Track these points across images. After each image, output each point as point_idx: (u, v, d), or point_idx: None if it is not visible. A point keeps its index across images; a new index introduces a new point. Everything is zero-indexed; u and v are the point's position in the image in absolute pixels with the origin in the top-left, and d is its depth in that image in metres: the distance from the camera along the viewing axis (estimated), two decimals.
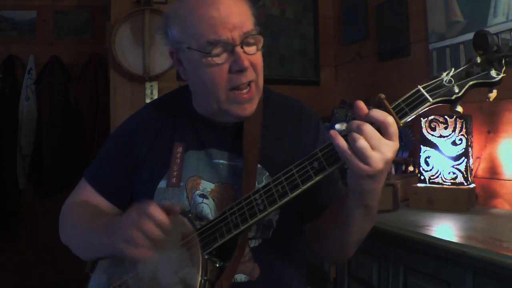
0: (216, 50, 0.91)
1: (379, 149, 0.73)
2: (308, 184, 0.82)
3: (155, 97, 2.45)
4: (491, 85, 0.80)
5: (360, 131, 0.73)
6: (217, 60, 0.92)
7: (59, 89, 3.24)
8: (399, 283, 1.46)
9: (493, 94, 0.82)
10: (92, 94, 3.23)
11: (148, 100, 2.46)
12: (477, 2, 1.82)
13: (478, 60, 0.80)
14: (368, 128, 0.73)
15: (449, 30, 1.97)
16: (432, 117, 1.76)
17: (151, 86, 2.50)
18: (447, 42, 1.97)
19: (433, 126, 1.76)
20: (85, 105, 3.24)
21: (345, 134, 0.76)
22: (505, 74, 0.80)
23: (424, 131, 1.78)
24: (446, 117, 1.74)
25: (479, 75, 0.80)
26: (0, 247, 3.07)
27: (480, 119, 1.82)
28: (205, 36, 0.91)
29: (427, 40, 2.10)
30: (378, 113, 0.74)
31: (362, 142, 0.72)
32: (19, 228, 3.20)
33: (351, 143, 0.73)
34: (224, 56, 0.92)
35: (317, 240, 1.01)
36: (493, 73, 0.79)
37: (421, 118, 1.80)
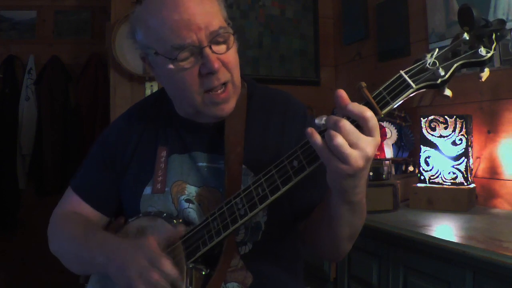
0: (183, 55, 0.87)
1: (358, 146, 0.68)
2: (288, 186, 0.78)
3: None
4: (480, 64, 0.72)
5: (337, 128, 0.68)
6: (184, 64, 0.88)
7: (59, 89, 3.24)
8: (399, 283, 1.46)
9: (485, 74, 0.74)
10: (92, 94, 3.23)
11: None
12: (477, 2, 1.82)
13: (466, 37, 0.72)
14: (346, 124, 0.68)
15: (449, 30, 1.97)
16: (432, 117, 1.76)
17: (151, 86, 2.50)
18: (447, 42, 1.96)
19: (433, 126, 1.76)
20: (85, 105, 3.24)
21: (323, 130, 0.71)
22: (495, 51, 0.72)
23: (424, 131, 1.78)
24: (446, 117, 1.74)
25: (466, 54, 0.72)
26: (0, 247, 3.07)
27: (480, 119, 1.82)
28: (169, 41, 0.87)
29: (427, 40, 2.10)
30: (355, 107, 0.69)
31: (339, 140, 0.67)
32: (19, 228, 3.20)
33: (328, 141, 0.68)
34: (191, 59, 0.88)
35: (310, 239, 0.99)
36: (482, 51, 0.71)
37: (421, 118, 1.80)
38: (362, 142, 0.68)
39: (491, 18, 1.74)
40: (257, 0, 2.74)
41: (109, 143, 1.06)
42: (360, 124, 0.69)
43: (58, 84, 3.24)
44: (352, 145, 0.68)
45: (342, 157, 0.68)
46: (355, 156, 0.68)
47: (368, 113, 0.69)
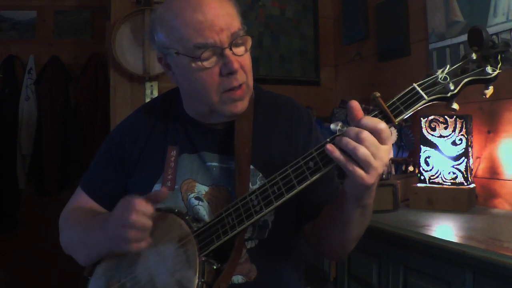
0: (205, 54, 0.90)
1: (378, 155, 0.73)
2: (304, 185, 0.81)
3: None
4: (487, 82, 0.79)
5: (359, 140, 0.73)
6: (206, 64, 0.91)
7: (59, 89, 3.24)
8: (399, 283, 1.46)
9: (489, 91, 0.80)
10: (92, 94, 3.24)
11: (148, 100, 2.46)
12: (477, 2, 1.82)
13: (474, 56, 0.79)
14: (368, 136, 0.73)
15: (449, 30, 1.97)
16: (432, 117, 1.76)
17: (151, 86, 2.50)
18: (447, 42, 1.97)
19: (433, 126, 1.76)
20: (85, 105, 3.25)
21: (339, 135, 0.77)
22: (501, 71, 0.78)
23: (424, 131, 1.78)
24: (446, 117, 1.74)
25: (474, 71, 0.79)
26: (0, 247, 3.07)
27: (480, 119, 1.82)
28: (192, 40, 0.90)
29: (427, 40, 2.10)
30: (369, 121, 0.74)
31: (364, 151, 0.72)
32: (19, 228, 3.20)
33: (353, 153, 0.73)
34: (213, 59, 0.91)
35: (317, 240, 1.01)
36: (488, 69, 0.78)
37: (421, 118, 1.80)
38: (381, 151, 0.74)
39: (491, 18, 1.74)
40: (257, 0, 2.74)
41: (117, 143, 1.08)
42: (375, 136, 0.74)
43: (58, 84, 3.25)
44: (374, 155, 0.73)
45: (366, 167, 0.73)
46: (377, 166, 0.74)
47: (382, 125, 0.74)
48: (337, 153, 0.75)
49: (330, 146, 0.76)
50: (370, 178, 0.74)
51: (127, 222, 0.83)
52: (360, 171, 0.73)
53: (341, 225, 0.89)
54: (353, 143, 0.73)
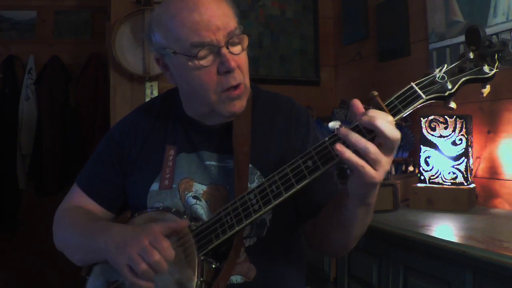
0: (202, 53, 0.91)
1: (387, 152, 0.74)
2: (302, 184, 0.82)
3: None
4: (484, 81, 0.80)
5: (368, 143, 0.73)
6: (203, 62, 0.91)
7: (59, 89, 3.24)
8: (399, 283, 1.46)
9: (486, 90, 0.81)
10: (92, 94, 3.24)
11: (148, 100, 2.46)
12: (477, 2, 1.82)
13: (471, 55, 0.80)
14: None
15: (449, 30, 1.97)
16: (432, 117, 1.76)
17: (151, 86, 2.50)
18: (447, 42, 1.97)
19: (433, 126, 1.76)
20: (85, 105, 3.25)
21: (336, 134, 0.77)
22: (498, 70, 0.79)
23: (424, 131, 1.78)
24: (446, 117, 1.74)
25: (472, 70, 0.79)
26: (0, 247, 3.07)
27: (480, 119, 1.82)
28: (188, 40, 0.91)
29: (427, 40, 2.10)
30: (365, 119, 0.74)
31: (375, 148, 0.73)
32: (19, 228, 3.20)
33: (364, 151, 0.73)
34: (210, 58, 0.92)
35: (318, 238, 1.01)
36: (486, 68, 0.79)
37: (421, 118, 1.80)
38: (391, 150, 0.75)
39: (491, 18, 1.74)
40: (257, 0, 2.74)
41: (116, 141, 1.08)
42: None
43: (58, 84, 3.25)
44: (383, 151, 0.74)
45: (376, 165, 0.74)
46: (386, 162, 0.75)
47: (390, 118, 0.74)
48: (347, 154, 0.74)
49: (339, 147, 0.75)
50: (379, 175, 0.74)
51: (149, 258, 0.81)
52: (369, 169, 0.74)
53: (344, 223, 0.89)
54: (363, 140, 0.73)
